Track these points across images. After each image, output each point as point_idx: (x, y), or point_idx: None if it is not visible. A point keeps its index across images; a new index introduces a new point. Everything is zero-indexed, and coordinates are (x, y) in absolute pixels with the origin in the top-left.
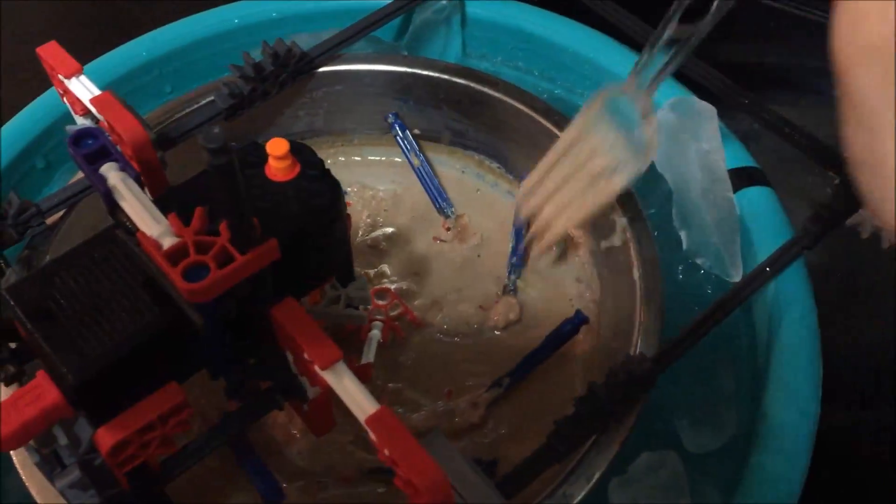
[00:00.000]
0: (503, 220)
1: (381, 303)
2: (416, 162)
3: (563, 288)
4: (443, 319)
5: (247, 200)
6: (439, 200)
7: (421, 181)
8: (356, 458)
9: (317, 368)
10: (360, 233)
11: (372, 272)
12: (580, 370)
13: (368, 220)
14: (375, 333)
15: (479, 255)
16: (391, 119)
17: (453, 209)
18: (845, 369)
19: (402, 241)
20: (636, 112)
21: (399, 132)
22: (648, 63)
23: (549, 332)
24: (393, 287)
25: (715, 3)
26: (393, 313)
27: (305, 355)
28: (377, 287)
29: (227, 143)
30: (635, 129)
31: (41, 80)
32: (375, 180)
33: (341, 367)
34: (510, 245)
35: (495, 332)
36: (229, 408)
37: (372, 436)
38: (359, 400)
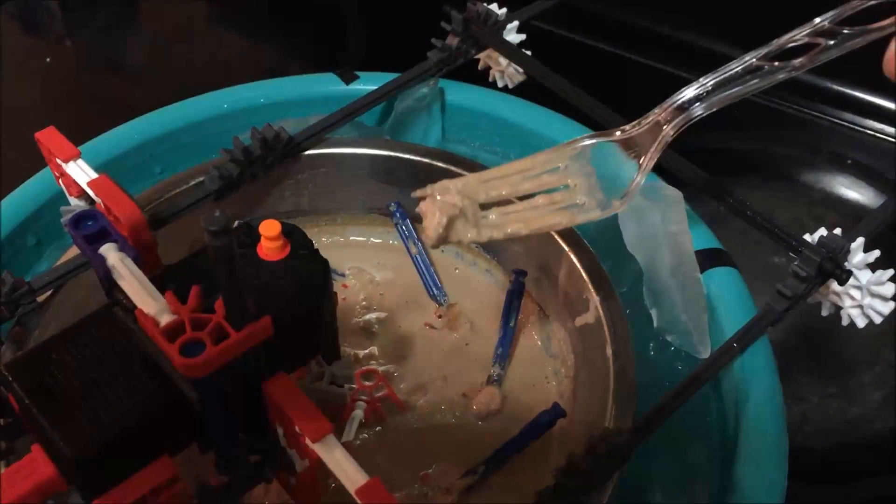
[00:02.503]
0: (491, 305)
1: (367, 384)
2: (413, 250)
3: (540, 365)
4: (426, 404)
5: (242, 280)
6: (433, 289)
7: (417, 269)
8: None
9: (307, 441)
10: (355, 315)
11: (361, 353)
12: (555, 453)
13: (364, 303)
14: (358, 413)
15: (467, 344)
16: (393, 207)
17: (446, 297)
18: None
19: (393, 325)
20: (621, 167)
21: (400, 220)
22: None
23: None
24: (380, 369)
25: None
26: (378, 394)
27: (297, 428)
28: (365, 368)
29: (227, 226)
30: (612, 183)
31: (34, 158)
32: (367, 263)
33: (331, 439)
34: (497, 335)
35: (478, 421)
36: (213, 482)
37: None
38: (349, 471)
